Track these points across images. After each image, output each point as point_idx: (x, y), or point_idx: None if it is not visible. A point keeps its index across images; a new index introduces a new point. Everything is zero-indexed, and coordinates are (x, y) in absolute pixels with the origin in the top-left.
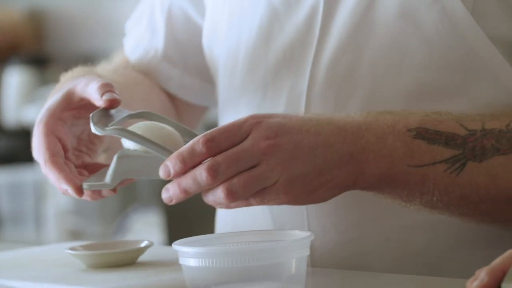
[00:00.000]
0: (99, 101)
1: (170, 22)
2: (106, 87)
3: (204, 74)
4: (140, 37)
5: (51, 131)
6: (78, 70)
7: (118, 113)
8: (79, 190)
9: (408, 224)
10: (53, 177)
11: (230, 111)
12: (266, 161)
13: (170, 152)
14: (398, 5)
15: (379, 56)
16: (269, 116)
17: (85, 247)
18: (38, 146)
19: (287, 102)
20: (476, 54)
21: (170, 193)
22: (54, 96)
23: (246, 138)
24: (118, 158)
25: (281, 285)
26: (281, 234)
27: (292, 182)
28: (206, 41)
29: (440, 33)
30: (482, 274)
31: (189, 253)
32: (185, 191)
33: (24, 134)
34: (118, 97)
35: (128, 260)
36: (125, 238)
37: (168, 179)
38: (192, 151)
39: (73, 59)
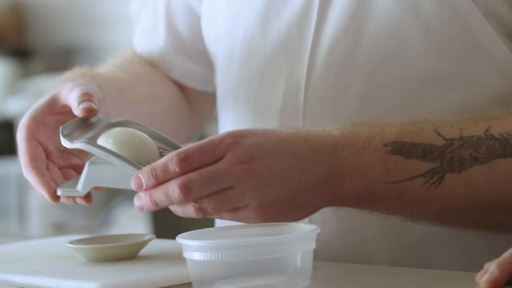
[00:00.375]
0: (76, 110)
1: (170, 9)
2: (85, 97)
3: (208, 59)
4: (144, 26)
5: (31, 135)
6: (77, 70)
7: (99, 122)
8: (54, 196)
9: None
10: (32, 181)
11: (229, 101)
12: (239, 185)
13: (137, 166)
14: None
15: (378, 41)
16: (246, 135)
17: (85, 241)
18: (19, 150)
19: (285, 88)
20: (476, 39)
21: (142, 202)
22: (40, 100)
23: (221, 158)
24: (89, 166)
25: (286, 278)
26: (287, 228)
27: (265, 206)
28: (204, 29)
29: (439, 17)
30: (492, 267)
31: (194, 247)
32: (156, 204)
33: (7, 127)
34: (95, 107)
35: (129, 253)
36: (111, 232)
37: (140, 191)
38: (165, 168)
39: (55, 51)
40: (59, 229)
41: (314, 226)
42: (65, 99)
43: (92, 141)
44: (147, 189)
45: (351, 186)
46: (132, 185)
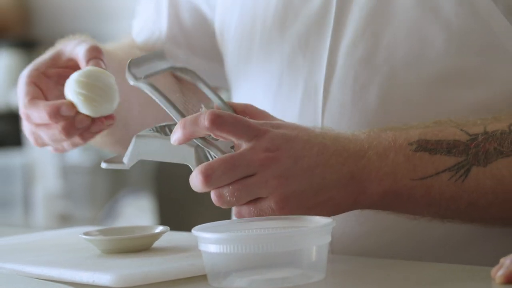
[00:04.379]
0: (83, 65)
1: (174, 4)
2: (94, 52)
3: (211, 54)
4: (146, 19)
5: (32, 82)
6: (78, 36)
7: (161, 62)
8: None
9: None
10: (34, 113)
11: (247, 101)
12: (261, 172)
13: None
14: None
15: (397, 42)
16: (278, 125)
17: (100, 232)
18: (19, 95)
19: (304, 89)
20: (495, 38)
21: None
22: (43, 54)
23: (248, 141)
24: (136, 139)
25: (302, 271)
26: (302, 221)
27: (287, 198)
28: (218, 28)
29: (459, 17)
30: (507, 262)
31: (210, 239)
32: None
33: (12, 118)
34: (103, 65)
35: (143, 245)
36: (116, 224)
37: (174, 143)
38: (195, 120)
39: None
40: (64, 220)
41: (329, 220)
42: (70, 53)
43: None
44: (174, 142)
45: (376, 185)
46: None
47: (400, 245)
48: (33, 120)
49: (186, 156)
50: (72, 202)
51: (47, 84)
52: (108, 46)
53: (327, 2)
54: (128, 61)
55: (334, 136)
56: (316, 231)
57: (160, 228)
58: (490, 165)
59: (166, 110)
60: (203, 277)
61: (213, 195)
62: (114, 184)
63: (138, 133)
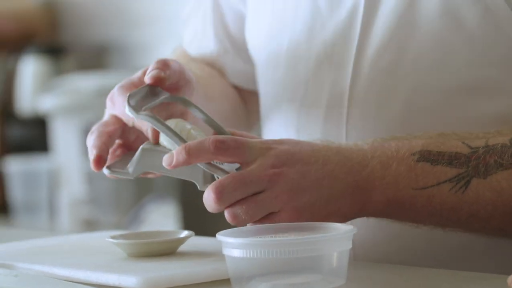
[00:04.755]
0: (145, 76)
1: (217, 10)
2: (158, 64)
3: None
4: (194, 29)
5: (114, 105)
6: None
7: (161, 94)
8: (98, 164)
9: None
10: (89, 143)
11: (274, 108)
12: (271, 188)
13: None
14: (440, 3)
15: (422, 53)
16: (280, 142)
17: (126, 236)
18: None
19: (329, 96)
20: None
21: None
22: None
23: (253, 161)
24: (142, 150)
25: (322, 277)
26: (324, 227)
27: (299, 211)
28: (248, 35)
29: (482, 29)
30: None
31: (233, 244)
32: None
33: (39, 123)
34: (163, 75)
35: (168, 249)
36: (141, 229)
37: (169, 168)
38: (200, 145)
39: (88, 49)
40: (89, 225)
41: (350, 227)
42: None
43: (157, 116)
44: (176, 165)
45: (380, 193)
46: (164, 163)
47: (421, 252)
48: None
49: (193, 174)
50: (97, 207)
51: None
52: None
53: (354, 12)
54: (127, 95)
55: (337, 148)
56: (337, 238)
57: (185, 233)
58: (490, 177)
59: (170, 138)
60: (226, 281)
61: (227, 215)
62: (139, 190)
63: (144, 145)
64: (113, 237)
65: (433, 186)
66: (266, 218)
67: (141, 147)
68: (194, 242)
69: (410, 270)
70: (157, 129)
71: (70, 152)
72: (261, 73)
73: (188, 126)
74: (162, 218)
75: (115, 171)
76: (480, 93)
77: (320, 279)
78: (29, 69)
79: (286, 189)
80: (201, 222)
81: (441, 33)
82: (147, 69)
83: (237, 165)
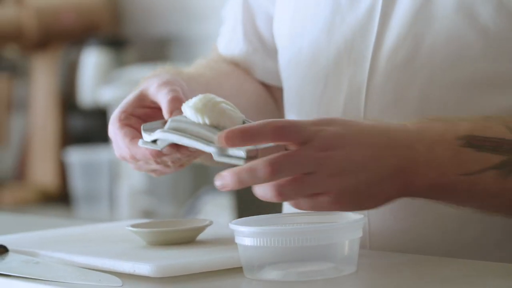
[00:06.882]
0: (166, 115)
1: (247, 9)
2: (176, 103)
3: None
4: (225, 28)
5: (124, 124)
6: (161, 69)
7: None
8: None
9: (465, 214)
10: (138, 152)
11: (296, 102)
12: (321, 171)
13: (208, 144)
14: None
15: (437, 47)
16: (328, 122)
17: (145, 225)
18: (114, 141)
19: (348, 91)
20: None
21: (225, 181)
22: (128, 96)
23: (305, 142)
24: (171, 122)
25: (334, 265)
26: (335, 217)
27: (343, 194)
28: (274, 32)
29: (496, 24)
30: None
31: (245, 233)
32: (240, 182)
33: (100, 114)
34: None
35: (187, 238)
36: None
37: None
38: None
39: (150, 42)
40: (147, 215)
41: (361, 215)
42: (154, 96)
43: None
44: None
45: (423, 177)
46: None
47: (437, 242)
48: (137, 158)
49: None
50: (155, 198)
51: (137, 123)
52: (193, 70)
53: (373, 8)
54: (142, 126)
55: (383, 128)
56: (348, 226)
57: (203, 222)
58: None
59: (189, 146)
60: (239, 269)
61: (271, 189)
62: (197, 181)
63: (173, 117)
64: (133, 226)
65: (477, 172)
66: (309, 197)
67: (169, 119)
68: (216, 230)
69: (421, 259)
70: (182, 143)
71: None
72: (285, 69)
73: (218, 99)
74: (218, 209)
75: (145, 142)
76: (495, 86)
77: (331, 267)
78: (91, 61)
79: (333, 173)
80: (255, 213)
81: (456, 28)
82: (143, 92)
83: (242, 153)
